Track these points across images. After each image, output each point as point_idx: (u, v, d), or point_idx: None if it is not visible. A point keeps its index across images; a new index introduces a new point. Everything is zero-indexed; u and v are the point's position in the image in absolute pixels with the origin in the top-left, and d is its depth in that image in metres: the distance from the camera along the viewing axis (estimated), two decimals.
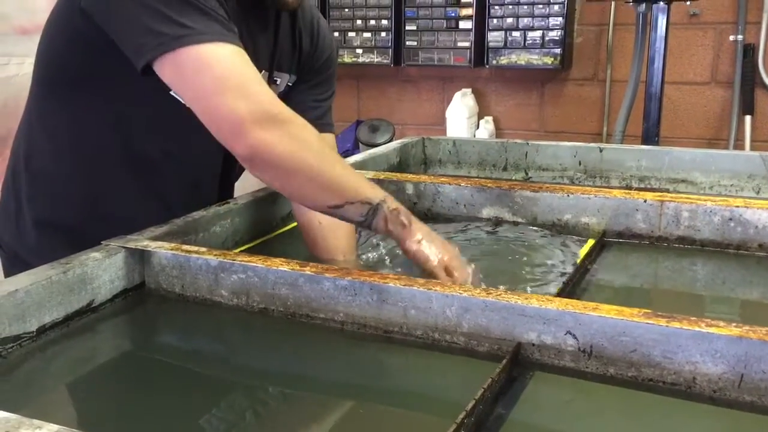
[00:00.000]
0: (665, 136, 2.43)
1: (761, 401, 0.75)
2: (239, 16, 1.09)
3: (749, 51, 2.77)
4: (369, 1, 3.17)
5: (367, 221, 1.02)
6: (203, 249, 1.03)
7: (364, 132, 3.26)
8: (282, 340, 0.95)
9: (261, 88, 0.97)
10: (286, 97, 1.24)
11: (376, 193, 1.03)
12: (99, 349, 0.94)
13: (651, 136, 2.28)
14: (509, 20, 2.94)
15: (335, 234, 1.19)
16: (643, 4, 2.30)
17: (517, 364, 0.83)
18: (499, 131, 3.24)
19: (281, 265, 0.96)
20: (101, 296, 0.98)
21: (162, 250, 1.02)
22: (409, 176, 1.54)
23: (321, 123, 1.27)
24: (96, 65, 1.06)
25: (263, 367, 0.91)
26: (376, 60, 3.21)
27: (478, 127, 3.20)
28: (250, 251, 1.22)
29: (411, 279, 0.92)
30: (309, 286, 0.94)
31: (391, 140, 3.01)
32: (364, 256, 1.22)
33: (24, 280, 0.89)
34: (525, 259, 1.23)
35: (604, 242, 1.29)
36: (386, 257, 1.20)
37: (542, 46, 2.91)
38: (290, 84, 1.25)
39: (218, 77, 0.94)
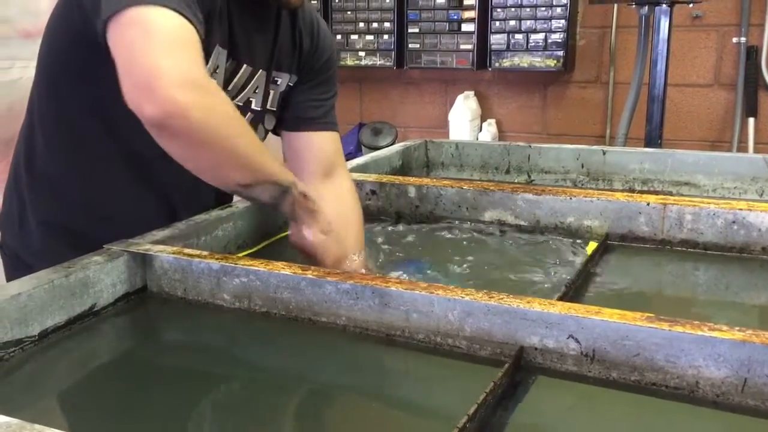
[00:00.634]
0: (668, 138, 2.43)
1: (765, 405, 0.75)
2: (235, 12, 1.09)
3: (752, 53, 2.77)
4: (371, 4, 3.17)
5: (274, 202, 1.03)
6: (205, 253, 1.03)
7: (367, 135, 3.26)
8: (284, 344, 0.95)
9: (191, 56, 0.90)
10: (287, 97, 1.25)
11: (287, 176, 1.04)
12: (101, 352, 0.94)
13: (654, 138, 2.28)
14: (512, 23, 2.94)
15: (344, 233, 1.20)
16: (646, 7, 2.29)
17: (520, 368, 0.83)
18: (501, 134, 3.24)
19: (283, 269, 0.96)
20: (103, 300, 0.98)
21: (164, 254, 1.02)
22: (412, 179, 1.53)
23: (325, 122, 1.27)
24: (95, 67, 1.06)
25: (265, 370, 0.90)
26: (378, 62, 3.21)
27: (480, 130, 3.20)
28: (253, 255, 1.22)
29: (413, 283, 0.92)
30: (311, 289, 0.94)
31: (393, 143, 3.01)
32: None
33: (26, 283, 0.89)
34: (527, 262, 1.23)
35: (606, 245, 1.29)
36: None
37: (545, 48, 2.91)
38: (291, 84, 1.25)
39: (150, 35, 0.88)
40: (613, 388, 0.80)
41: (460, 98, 3.18)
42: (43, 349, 0.88)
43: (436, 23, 3.08)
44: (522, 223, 1.37)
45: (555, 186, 1.74)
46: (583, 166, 1.78)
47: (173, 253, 1.02)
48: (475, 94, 3.22)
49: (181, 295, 1.03)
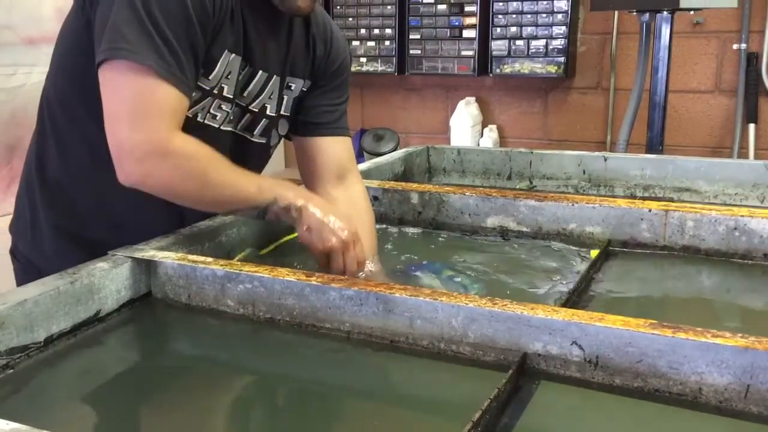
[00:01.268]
0: (669, 144, 2.43)
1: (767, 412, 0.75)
2: (248, 19, 1.10)
3: (753, 59, 2.77)
4: (373, 10, 3.18)
5: (260, 216, 1.10)
6: (209, 259, 1.04)
7: (369, 141, 3.27)
8: (288, 350, 0.95)
9: (157, 124, 1.00)
10: (300, 102, 1.25)
11: (265, 195, 1.07)
12: (106, 358, 0.94)
13: (655, 144, 2.28)
14: (513, 29, 2.95)
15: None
16: (647, 14, 2.30)
17: (523, 375, 0.83)
18: (502, 140, 3.24)
19: (287, 275, 0.96)
20: (108, 306, 0.99)
21: (168, 260, 1.02)
22: (414, 185, 1.54)
23: (336, 127, 1.28)
24: None
25: (269, 376, 0.91)
26: (380, 69, 3.22)
27: (482, 136, 3.20)
28: (264, 256, 1.23)
29: (417, 289, 0.92)
30: (315, 296, 0.95)
31: (395, 149, 3.01)
32: None
33: (32, 290, 0.90)
34: (530, 268, 1.23)
35: (608, 251, 1.29)
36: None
37: (546, 54, 2.92)
38: (305, 89, 1.25)
39: (125, 102, 0.99)
40: (616, 394, 0.80)
41: (461, 104, 3.18)
42: (48, 356, 0.89)
43: (438, 29, 3.08)
44: (524, 229, 1.38)
45: (557, 192, 1.74)
46: (584, 172, 1.78)
47: (177, 259, 1.02)
48: (477, 100, 3.23)
49: (185, 301, 1.03)
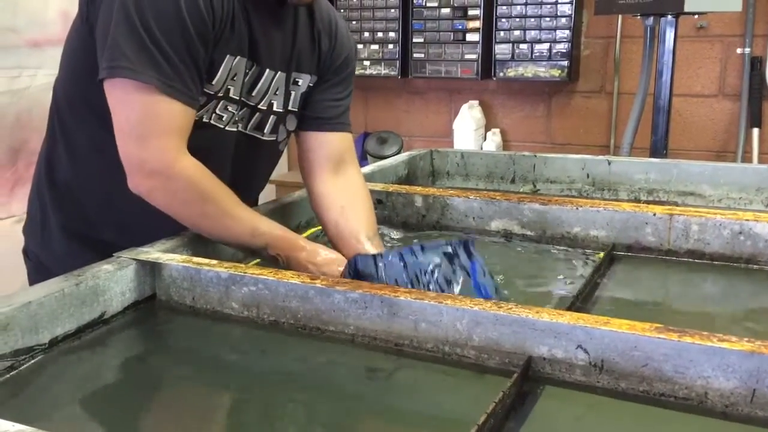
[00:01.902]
0: (673, 148, 2.43)
1: None
2: (253, 18, 1.10)
3: (756, 64, 2.77)
4: (376, 14, 3.18)
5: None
6: (214, 261, 1.04)
7: (372, 144, 3.27)
8: (292, 353, 0.95)
9: (165, 141, 1.02)
10: (306, 97, 1.26)
11: (256, 242, 1.11)
12: (110, 361, 0.94)
13: (659, 148, 2.28)
14: (516, 33, 2.95)
15: (357, 216, 1.22)
16: (651, 18, 2.30)
17: (528, 378, 0.83)
18: (506, 143, 3.24)
19: (292, 278, 0.96)
20: (113, 308, 0.99)
21: (173, 262, 1.02)
22: (418, 189, 1.54)
23: (339, 122, 1.28)
24: None
25: (272, 379, 0.91)
26: (383, 72, 3.22)
27: (485, 139, 3.20)
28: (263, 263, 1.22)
29: (421, 292, 0.92)
30: (319, 298, 0.95)
31: (399, 152, 3.02)
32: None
33: (37, 292, 0.90)
34: (534, 272, 1.23)
35: (613, 255, 1.29)
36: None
37: (549, 58, 2.92)
38: (311, 84, 1.25)
39: (131, 121, 1.02)
40: (621, 399, 0.80)
41: (464, 108, 3.18)
42: (52, 357, 0.89)
43: (441, 33, 3.08)
44: (528, 233, 1.38)
45: (560, 196, 1.74)
46: (588, 176, 1.78)
47: (182, 262, 1.02)
48: (480, 104, 3.23)
49: (189, 303, 1.03)
